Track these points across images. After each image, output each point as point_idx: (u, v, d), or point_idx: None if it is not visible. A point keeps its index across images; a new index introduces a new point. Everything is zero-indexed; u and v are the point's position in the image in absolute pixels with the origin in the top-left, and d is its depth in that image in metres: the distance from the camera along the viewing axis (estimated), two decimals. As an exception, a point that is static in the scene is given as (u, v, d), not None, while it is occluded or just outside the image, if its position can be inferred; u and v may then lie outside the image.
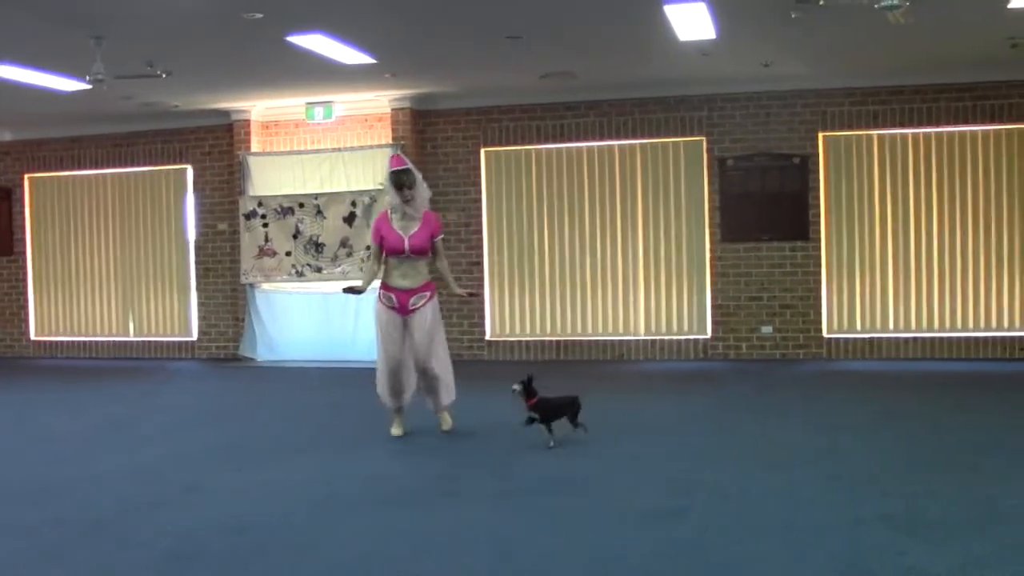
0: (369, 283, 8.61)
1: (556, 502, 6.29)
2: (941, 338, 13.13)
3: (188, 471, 7.54)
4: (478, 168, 14.34)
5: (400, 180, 8.20)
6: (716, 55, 11.40)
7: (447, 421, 8.71)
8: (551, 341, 14.19)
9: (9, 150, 16.41)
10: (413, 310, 8.32)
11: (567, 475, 7.03)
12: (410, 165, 8.38)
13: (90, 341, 16.20)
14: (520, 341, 14.30)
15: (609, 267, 14.00)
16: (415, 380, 8.54)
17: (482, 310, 14.34)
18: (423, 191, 8.40)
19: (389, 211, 8.39)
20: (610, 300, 14.03)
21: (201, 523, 5.99)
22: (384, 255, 8.41)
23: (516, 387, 7.91)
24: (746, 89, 13.29)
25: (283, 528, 5.85)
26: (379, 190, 13.88)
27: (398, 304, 8.33)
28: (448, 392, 8.61)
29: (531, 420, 7.92)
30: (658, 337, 13.87)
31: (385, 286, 8.42)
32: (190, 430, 9.49)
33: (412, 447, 8.34)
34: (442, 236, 8.58)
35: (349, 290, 8.69)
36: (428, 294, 8.40)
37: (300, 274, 14.38)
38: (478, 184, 14.33)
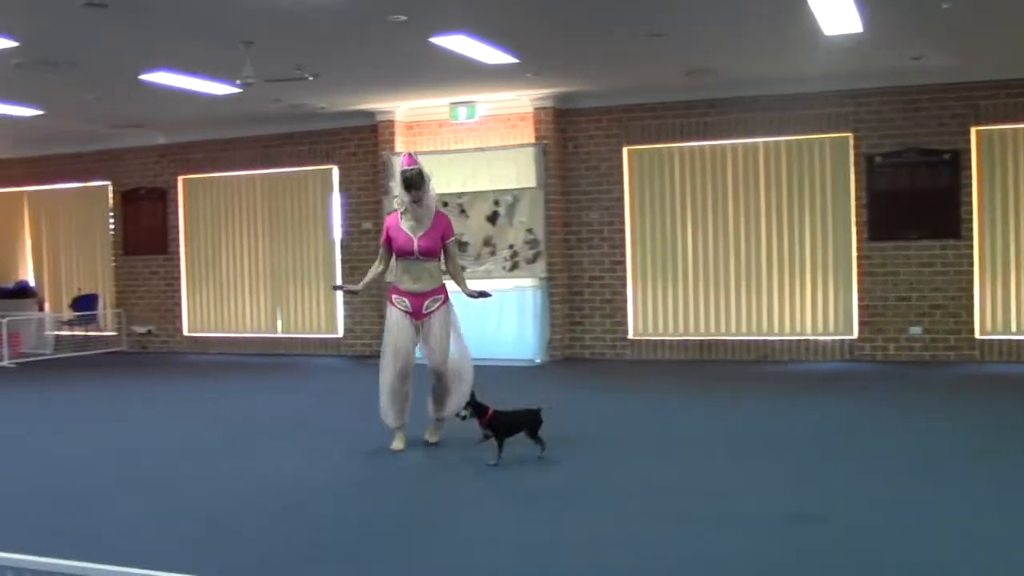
0: (369, 284, 8.45)
1: (696, 505, 6.24)
2: (1102, 340, 12.67)
3: (316, 468, 7.71)
4: (620, 167, 14.29)
5: (410, 180, 7.96)
6: (863, 49, 11.15)
7: (435, 433, 8.35)
8: (694, 341, 14.07)
9: (164, 152, 16.98)
10: (427, 314, 8.07)
11: (705, 479, 6.98)
12: (420, 165, 8.11)
13: (240, 337, 16.62)
14: (663, 340, 14.21)
15: (753, 266, 13.82)
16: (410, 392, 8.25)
17: (624, 309, 14.30)
18: (432, 192, 8.16)
19: (399, 212, 8.22)
20: (754, 299, 13.85)
21: (329, 519, 6.14)
22: (394, 257, 8.19)
23: (464, 412, 7.55)
24: (894, 83, 12.95)
25: (407, 525, 5.96)
26: (522, 189, 14.01)
27: (412, 309, 8.08)
28: (457, 402, 8.01)
29: (487, 436, 7.54)
30: (803, 337, 13.63)
31: (396, 290, 8.18)
32: (321, 426, 9.65)
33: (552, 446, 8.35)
34: (454, 238, 8.34)
35: (339, 288, 8.56)
36: (442, 297, 8.16)
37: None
38: (620, 183, 14.28)
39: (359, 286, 8.56)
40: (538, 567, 5.16)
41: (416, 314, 8.08)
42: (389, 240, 8.16)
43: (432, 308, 8.08)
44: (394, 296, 8.18)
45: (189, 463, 7.91)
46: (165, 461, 8.04)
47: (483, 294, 8.38)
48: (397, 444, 8.19)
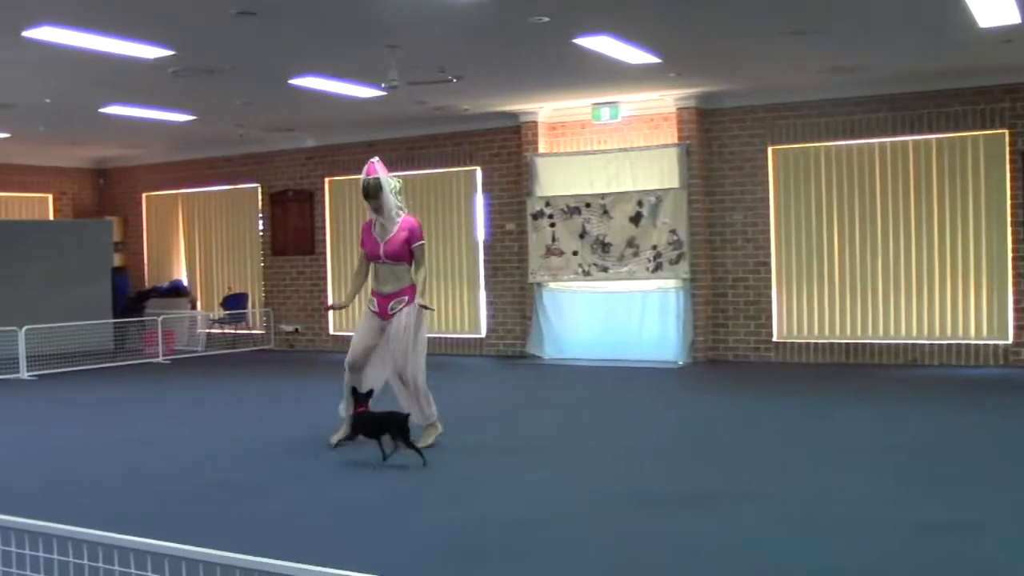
0: (353, 295, 8.78)
1: (826, 512, 6.13)
2: None
3: (455, 465, 7.78)
4: (765, 166, 14.09)
5: (366, 189, 8.26)
6: (1020, 41, 10.78)
7: (430, 435, 8.33)
8: (840, 344, 13.79)
9: (313, 155, 17.36)
10: (392, 315, 8.31)
11: (838, 485, 6.85)
12: (380, 174, 8.26)
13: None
14: (808, 343, 13.96)
15: (902, 267, 13.47)
16: (375, 389, 8.38)
17: (769, 311, 14.09)
18: (390, 199, 8.30)
19: (372, 218, 8.46)
20: (903, 302, 13.49)
21: (472, 517, 6.20)
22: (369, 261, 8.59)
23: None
24: (1054, 77, 12.53)
25: (555, 526, 5.98)
26: (665, 190, 13.94)
27: (379, 308, 8.41)
28: (428, 403, 8.35)
29: (353, 435, 7.97)
30: (954, 341, 13.22)
31: (372, 291, 8.55)
32: (467, 424, 9.64)
33: (662, 450, 8.30)
34: (422, 243, 8.44)
35: (331, 307, 8.86)
36: (406, 299, 8.34)
37: (587, 273, 14.54)
38: (765, 183, 14.08)
39: (346, 301, 9.01)
40: (657, 571, 5.15)
41: (382, 313, 8.41)
42: (363, 245, 8.58)
43: (397, 309, 8.34)
44: (369, 297, 8.60)
45: (303, 462, 8.06)
46: (269, 458, 8.24)
47: (425, 307, 8.46)
48: (334, 436, 8.47)
